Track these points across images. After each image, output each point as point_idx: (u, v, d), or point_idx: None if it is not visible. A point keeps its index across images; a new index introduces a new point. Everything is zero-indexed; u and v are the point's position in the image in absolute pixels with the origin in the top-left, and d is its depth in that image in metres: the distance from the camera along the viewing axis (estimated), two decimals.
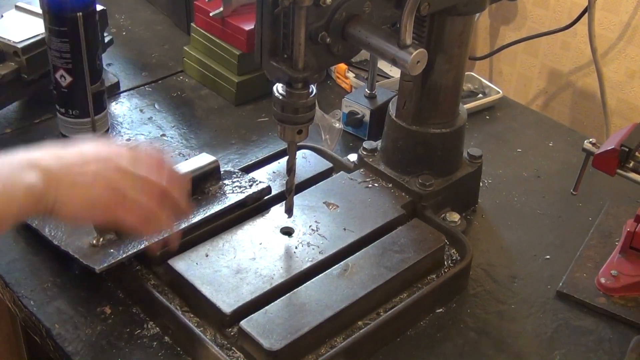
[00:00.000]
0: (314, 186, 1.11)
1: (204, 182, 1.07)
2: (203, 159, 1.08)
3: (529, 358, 0.97)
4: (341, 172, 1.15)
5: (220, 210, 1.03)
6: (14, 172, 0.80)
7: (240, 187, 1.07)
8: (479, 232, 1.15)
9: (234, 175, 1.09)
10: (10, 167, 0.80)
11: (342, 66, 1.46)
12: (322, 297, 0.93)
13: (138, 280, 0.96)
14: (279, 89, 0.92)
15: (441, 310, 1.01)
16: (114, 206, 0.86)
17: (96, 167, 0.86)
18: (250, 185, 1.07)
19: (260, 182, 1.08)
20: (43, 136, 1.27)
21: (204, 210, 1.03)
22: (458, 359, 0.96)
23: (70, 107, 1.22)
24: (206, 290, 0.93)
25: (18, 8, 1.35)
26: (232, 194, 1.06)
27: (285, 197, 1.02)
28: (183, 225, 0.99)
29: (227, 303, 0.91)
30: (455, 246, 1.07)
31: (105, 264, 0.95)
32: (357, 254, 1.00)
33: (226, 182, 1.08)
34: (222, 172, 1.08)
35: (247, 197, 1.06)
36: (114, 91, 1.40)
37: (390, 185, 1.12)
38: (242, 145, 1.30)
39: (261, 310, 0.91)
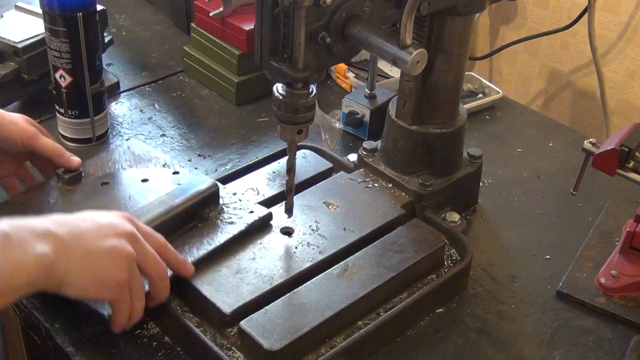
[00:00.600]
0: (314, 186, 1.11)
1: (203, 208, 1.02)
2: (201, 184, 1.02)
3: (529, 358, 0.97)
4: (341, 172, 1.15)
5: (223, 243, 0.99)
6: (26, 239, 0.77)
7: (240, 210, 1.03)
8: (479, 232, 1.15)
9: (232, 201, 1.04)
10: (22, 234, 0.78)
11: (342, 66, 1.46)
12: (322, 297, 0.93)
13: None
14: (279, 89, 0.92)
15: (441, 310, 1.01)
16: (126, 283, 0.85)
17: (111, 240, 0.84)
18: (251, 212, 1.03)
19: (260, 207, 1.03)
20: None
21: (207, 242, 0.98)
22: (458, 359, 0.96)
23: (69, 108, 1.22)
24: (206, 290, 0.93)
25: (18, 8, 1.35)
26: (233, 225, 1.00)
27: (285, 197, 1.02)
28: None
29: (227, 303, 0.91)
30: (455, 246, 1.07)
31: None
32: (357, 254, 1.00)
33: (225, 207, 1.04)
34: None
35: (249, 226, 1.01)
36: (114, 91, 1.40)
37: (390, 185, 1.12)
38: (242, 145, 1.30)
39: (261, 310, 0.91)
